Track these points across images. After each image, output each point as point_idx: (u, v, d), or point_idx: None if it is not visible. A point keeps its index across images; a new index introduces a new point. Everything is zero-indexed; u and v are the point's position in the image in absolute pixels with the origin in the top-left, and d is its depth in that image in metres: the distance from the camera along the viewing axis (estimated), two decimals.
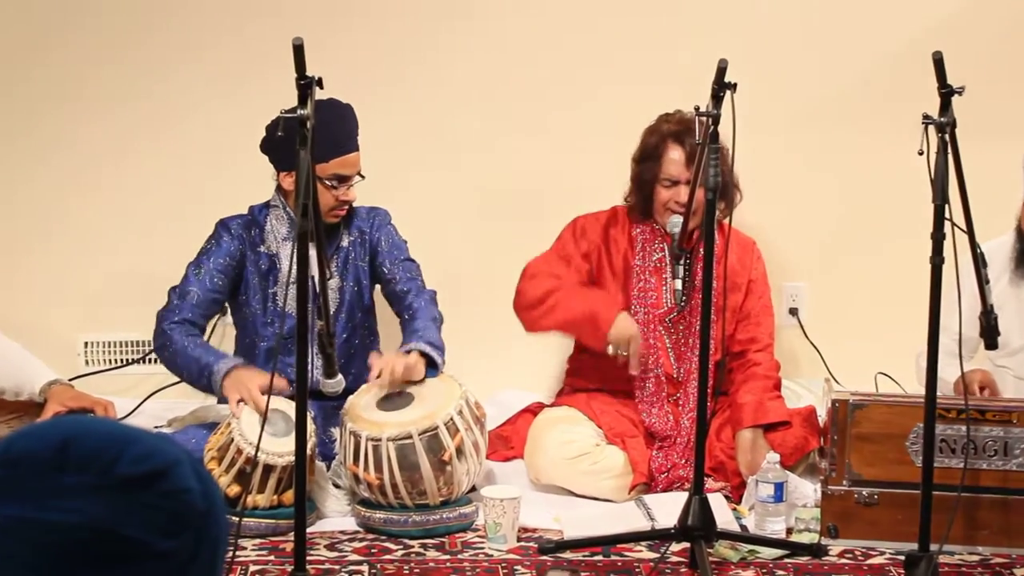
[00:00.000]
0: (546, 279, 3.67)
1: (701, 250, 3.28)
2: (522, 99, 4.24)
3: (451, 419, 3.28)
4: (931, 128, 2.76)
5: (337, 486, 3.40)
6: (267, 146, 3.50)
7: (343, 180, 3.47)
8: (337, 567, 3.05)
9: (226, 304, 3.64)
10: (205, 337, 3.59)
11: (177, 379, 3.62)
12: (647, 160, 3.68)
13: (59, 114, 4.20)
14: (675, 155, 3.63)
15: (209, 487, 1.09)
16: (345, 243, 3.62)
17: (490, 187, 4.27)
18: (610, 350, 3.54)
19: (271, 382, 2.79)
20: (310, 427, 3.14)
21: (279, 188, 3.57)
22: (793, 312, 4.34)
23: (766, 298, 3.81)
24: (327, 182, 3.42)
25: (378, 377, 3.35)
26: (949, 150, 2.76)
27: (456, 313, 3.79)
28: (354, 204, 3.61)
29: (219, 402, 3.51)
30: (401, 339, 3.54)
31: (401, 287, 3.58)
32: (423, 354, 3.40)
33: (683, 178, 3.60)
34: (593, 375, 3.75)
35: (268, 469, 3.18)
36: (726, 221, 3.50)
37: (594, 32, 4.23)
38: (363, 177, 3.51)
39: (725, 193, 3.52)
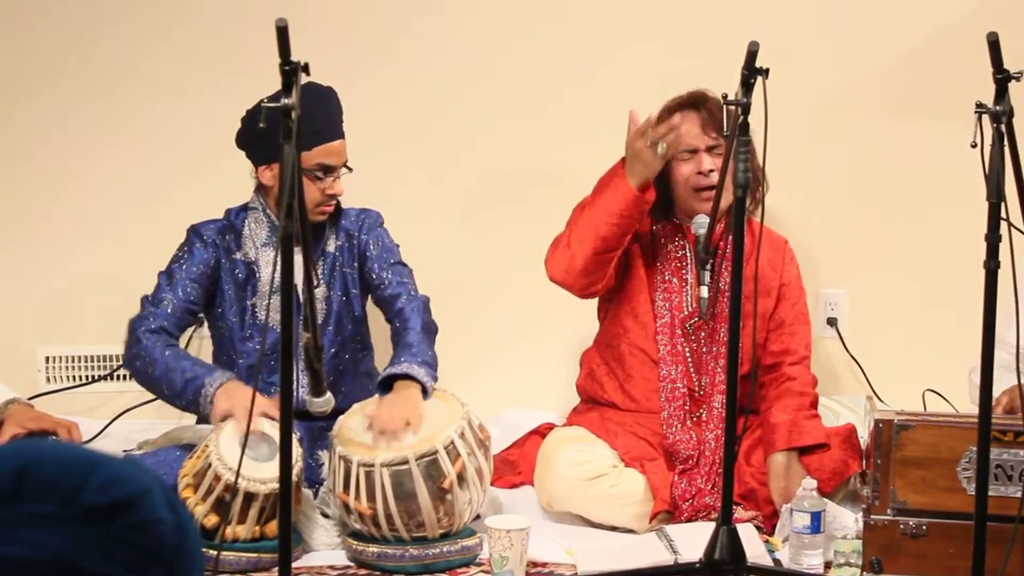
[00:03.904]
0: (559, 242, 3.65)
1: (726, 248, 3.25)
2: (523, 81, 4.23)
3: (452, 442, 3.28)
4: (985, 117, 2.75)
5: (326, 515, 3.40)
6: (243, 139, 3.51)
7: (329, 171, 3.48)
8: None
9: (201, 316, 3.65)
10: None
11: (150, 397, 3.62)
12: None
13: (17, 110, 4.21)
14: (688, 122, 3.60)
15: (182, 518, 1.09)
16: (332, 248, 3.63)
17: (490, 180, 4.27)
18: (660, 149, 3.44)
19: (253, 398, 2.78)
20: (296, 450, 3.13)
21: (259, 187, 3.57)
22: (831, 322, 4.33)
23: (801, 304, 3.80)
24: (312, 173, 3.43)
25: (370, 426, 3.34)
26: (1006, 142, 2.75)
27: (456, 323, 3.79)
28: (342, 204, 3.62)
29: (198, 422, 3.51)
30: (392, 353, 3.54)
31: (391, 291, 3.59)
32: (418, 380, 3.40)
33: (702, 145, 3.59)
34: (608, 383, 3.74)
35: (249, 497, 3.18)
36: (755, 218, 3.48)
37: (601, 6, 4.23)
38: (350, 169, 3.52)
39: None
